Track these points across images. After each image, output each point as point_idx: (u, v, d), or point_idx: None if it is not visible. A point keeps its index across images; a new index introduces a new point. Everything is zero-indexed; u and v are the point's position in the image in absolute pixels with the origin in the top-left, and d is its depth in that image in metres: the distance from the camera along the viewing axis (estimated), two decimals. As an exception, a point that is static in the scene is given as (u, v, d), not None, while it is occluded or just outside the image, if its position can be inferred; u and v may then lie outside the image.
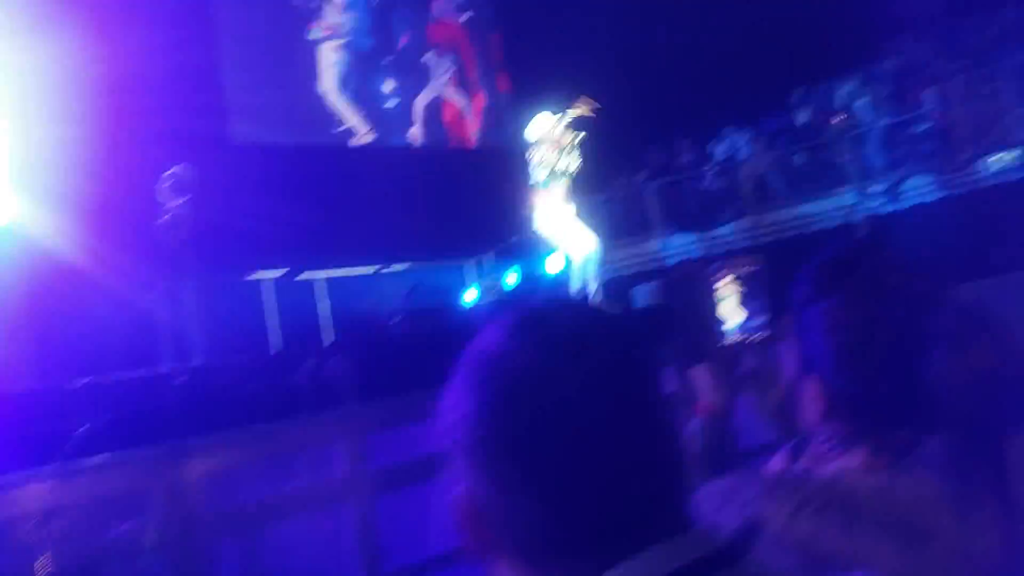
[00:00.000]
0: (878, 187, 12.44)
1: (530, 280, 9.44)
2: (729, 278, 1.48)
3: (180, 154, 8.59)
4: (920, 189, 12.23)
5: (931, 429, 0.98)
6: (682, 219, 13.36)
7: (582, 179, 8.83)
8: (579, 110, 8.05)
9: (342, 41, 13.07)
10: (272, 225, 10.16)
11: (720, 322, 1.52)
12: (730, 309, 1.53)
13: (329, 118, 12.86)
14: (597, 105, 8.16)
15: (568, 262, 7.97)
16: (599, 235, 8.07)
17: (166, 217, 7.78)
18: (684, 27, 13.70)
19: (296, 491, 2.83)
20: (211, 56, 11.49)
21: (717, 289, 1.53)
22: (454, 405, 0.73)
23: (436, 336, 8.00)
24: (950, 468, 0.96)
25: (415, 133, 13.77)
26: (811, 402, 1.09)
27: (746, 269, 1.49)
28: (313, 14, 12.96)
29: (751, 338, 1.49)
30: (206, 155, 9.66)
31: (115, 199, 8.63)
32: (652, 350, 0.77)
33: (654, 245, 13.23)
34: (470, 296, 9.51)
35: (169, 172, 8.00)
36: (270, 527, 2.86)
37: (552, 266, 8.44)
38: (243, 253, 8.93)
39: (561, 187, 7.83)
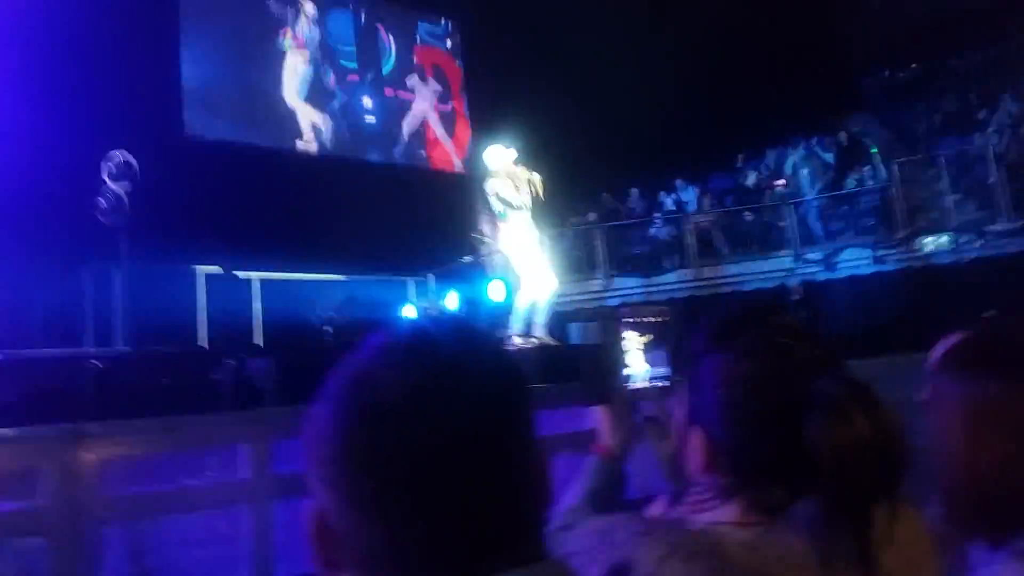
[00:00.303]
0: (816, 254, 12.82)
1: (471, 304, 9.44)
2: (638, 327, 1.53)
3: (129, 138, 8.44)
4: (856, 261, 12.66)
5: (806, 491, 1.00)
6: (627, 263, 13.57)
7: (536, 213, 8.92)
8: (537, 180, 7.97)
9: (309, 53, 13.09)
10: (215, 220, 10.01)
11: (625, 367, 1.56)
12: (637, 356, 1.57)
13: (289, 124, 12.82)
14: (541, 179, 8.11)
15: (510, 291, 8.00)
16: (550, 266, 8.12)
17: (104, 199, 7.60)
18: (647, 79, 14.02)
19: (195, 488, 2.77)
20: (171, 46, 11.39)
21: (626, 336, 1.57)
22: (315, 420, 0.73)
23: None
24: (819, 531, 0.98)
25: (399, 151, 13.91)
26: (694, 452, 1.11)
27: (655, 319, 1.54)
28: (283, 22, 12.96)
29: (654, 386, 1.53)
30: (156, 143, 9.51)
31: (55, 174, 8.43)
32: (520, 381, 0.76)
33: (598, 285, 13.41)
34: (407, 313, 9.46)
35: (113, 154, 7.84)
36: (164, 521, 2.79)
37: (494, 293, 8.46)
38: (181, 244, 8.75)
39: (519, 218, 7.86)
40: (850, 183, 13.33)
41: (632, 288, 13.37)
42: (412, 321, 0.81)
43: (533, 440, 0.75)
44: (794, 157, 13.71)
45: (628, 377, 1.56)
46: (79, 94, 9.25)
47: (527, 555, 0.71)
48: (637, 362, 1.57)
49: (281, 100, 12.77)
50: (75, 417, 4.37)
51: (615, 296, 13.27)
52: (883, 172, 13.10)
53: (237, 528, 2.78)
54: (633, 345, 1.60)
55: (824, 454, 0.96)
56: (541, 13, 13.77)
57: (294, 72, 12.86)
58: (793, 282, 12.80)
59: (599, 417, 1.54)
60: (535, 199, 8.05)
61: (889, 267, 12.43)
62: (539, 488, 0.76)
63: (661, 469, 1.56)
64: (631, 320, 1.57)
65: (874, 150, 13.84)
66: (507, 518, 0.71)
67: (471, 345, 0.74)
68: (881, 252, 12.45)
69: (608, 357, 1.56)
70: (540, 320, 7.75)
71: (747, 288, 12.88)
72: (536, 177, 7.87)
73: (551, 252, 11.72)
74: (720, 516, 1.07)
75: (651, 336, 1.56)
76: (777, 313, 1.14)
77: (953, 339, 1.70)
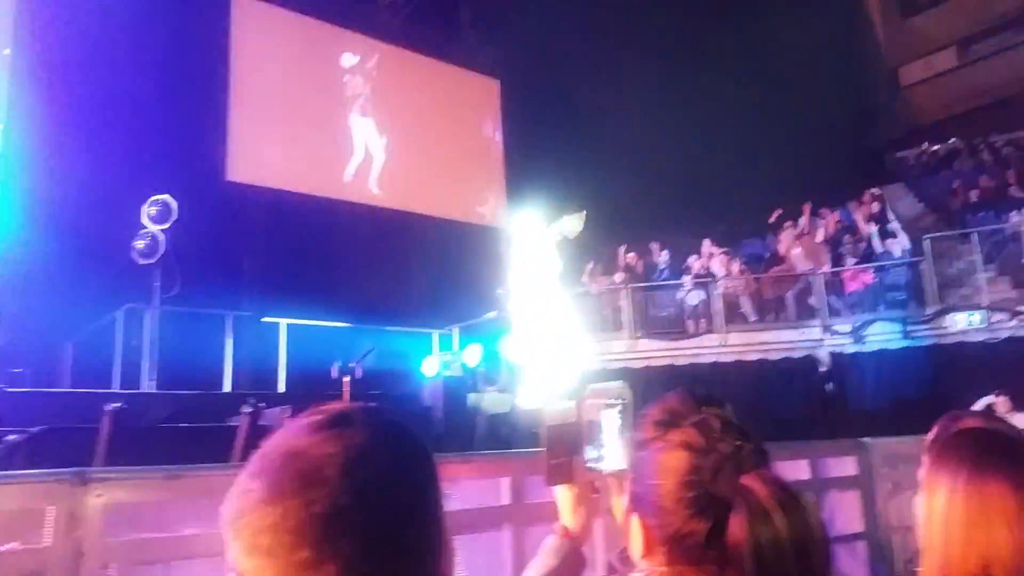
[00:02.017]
0: (845, 326, 12.68)
1: (491, 359, 9.48)
2: (605, 406, 1.55)
3: (172, 182, 8.75)
4: (885, 335, 12.50)
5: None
6: (651, 325, 13.53)
7: (564, 271, 8.98)
8: (571, 222, 8.10)
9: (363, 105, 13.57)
10: (248, 265, 10.27)
11: (601, 446, 1.58)
12: (612, 436, 1.59)
13: (327, 174, 13.17)
14: (584, 217, 8.23)
15: (526, 349, 8.05)
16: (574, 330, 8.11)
17: (143, 241, 7.87)
18: (681, 142, 14.19)
19: (199, 537, 2.83)
20: (222, 93, 11.80)
21: (604, 415, 1.59)
22: (247, 488, 0.81)
23: (387, 400, 8.02)
24: None
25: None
26: (634, 537, 1.16)
27: (618, 399, 1.56)
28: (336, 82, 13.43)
29: (617, 469, 1.53)
30: (197, 187, 9.84)
31: (97, 215, 8.72)
32: (419, 468, 0.87)
33: (623, 346, 13.37)
34: (429, 366, 9.53)
35: (155, 198, 8.13)
36: (168, 569, 2.84)
37: (513, 350, 8.53)
38: (213, 287, 8.96)
39: (544, 279, 7.94)
40: (880, 257, 13.23)
41: (657, 350, 13.32)
42: (329, 406, 0.90)
43: (439, 521, 0.87)
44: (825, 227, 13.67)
45: (602, 457, 1.58)
46: (127, 137, 9.61)
47: None
48: (612, 443, 1.60)
49: (327, 149, 13.15)
50: (90, 456, 4.49)
51: (640, 358, 13.22)
52: (908, 245, 12.99)
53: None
54: (613, 426, 1.62)
55: (744, 551, 1.01)
56: (574, 75, 14.08)
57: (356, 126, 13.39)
58: (821, 353, 12.68)
59: (560, 497, 1.58)
60: (571, 240, 8.17)
61: (919, 342, 12.25)
62: (434, 566, 0.85)
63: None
64: (596, 401, 1.60)
65: (898, 223, 13.72)
66: None
67: (386, 431, 0.87)
68: (911, 327, 12.28)
69: (571, 437, 1.58)
70: (560, 380, 7.77)
71: (774, 357, 12.76)
72: (570, 222, 7.97)
73: (576, 311, 11.71)
74: None
75: (618, 417, 1.59)
76: (713, 404, 1.17)
77: (952, 422, 1.74)
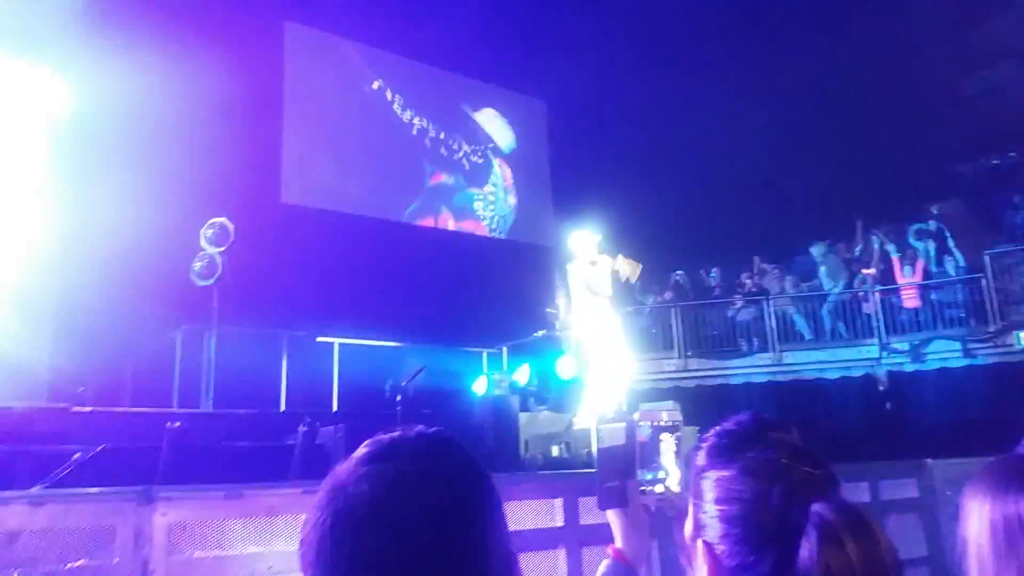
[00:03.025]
0: (903, 344, 12.37)
1: (542, 378, 9.48)
2: (659, 428, 1.55)
3: (229, 205, 8.99)
4: (945, 353, 12.16)
5: None
6: (703, 344, 13.38)
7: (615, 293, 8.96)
8: (624, 265, 8.07)
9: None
10: (303, 286, 10.46)
11: (658, 469, 1.57)
12: (670, 458, 1.58)
13: (378, 195, 13.38)
14: (640, 266, 8.19)
15: (580, 369, 8.03)
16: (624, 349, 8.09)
17: (201, 263, 8.07)
18: (734, 160, 14.07)
19: (257, 555, 2.89)
20: (275, 117, 12.11)
21: (662, 438, 1.58)
22: (304, 526, 0.84)
23: (437, 420, 8.06)
24: None
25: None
26: (699, 565, 1.14)
27: (671, 420, 1.56)
28: (382, 105, 13.67)
29: (672, 492, 1.53)
30: (254, 210, 10.10)
31: (158, 238, 8.98)
32: (476, 495, 0.87)
33: (673, 365, 13.24)
34: (479, 385, 9.56)
35: (213, 221, 8.35)
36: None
37: (564, 370, 8.51)
38: (269, 308, 9.15)
39: (597, 302, 7.90)
40: (940, 272, 12.89)
41: (709, 369, 13.15)
42: (382, 436, 0.90)
43: (489, 547, 0.85)
44: (882, 241, 13.36)
45: (656, 480, 1.57)
46: (185, 161, 9.90)
47: None
48: (670, 464, 1.59)
49: (378, 171, 13.37)
50: (151, 474, 4.60)
51: (691, 377, 13.08)
52: (961, 261, 12.62)
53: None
54: (668, 448, 1.61)
55: None
56: (624, 93, 14.10)
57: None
58: (879, 372, 12.38)
59: (613, 521, 1.57)
60: (624, 284, 8.11)
61: (980, 361, 11.88)
62: None
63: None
64: (650, 423, 1.59)
65: (950, 238, 13.33)
66: None
67: (431, 460, 0.86)
68: (972, 345, 11.93)
69: (623, 461, 1.57)
70: (615, 399, 7.71)
71: (830, 376, 12.50)
72: (627, 265, 7.92)
73: (627, 330, 11.69)
74: None
75: (674, 442, 1.58)
76: (779, 430, 1.16)
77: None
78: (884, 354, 12.44)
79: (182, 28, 10.40)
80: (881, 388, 12.32)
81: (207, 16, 10.70)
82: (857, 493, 5.03)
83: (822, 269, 13.26)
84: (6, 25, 7.90)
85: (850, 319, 12.89)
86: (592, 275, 7.83)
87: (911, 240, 13.38)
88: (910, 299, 12.59)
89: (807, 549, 1.01)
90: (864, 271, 12.94)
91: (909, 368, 12.26)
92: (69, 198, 8.64)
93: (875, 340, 12.52)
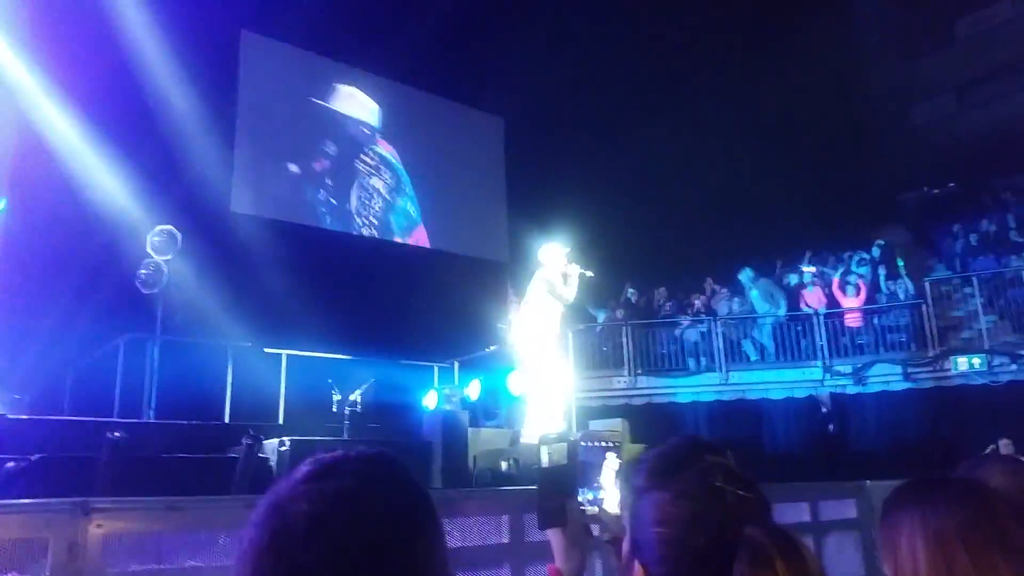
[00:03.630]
0: (846, 367, 12.68)
1: (492, 394, 9.46)
2: (602, 448, 1.57)
3: (177, 212, 8.83)
4: (886, 376, 12.48)
5: None
6: (652, 362, 13.52)
7: (567, 308, 9.04)
8: (574, 269, 8.19)
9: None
10: (251, 295, 10.30)
11: (600, 489, 1.58)
12: (610, 479, 1.60)
13: (329, 206, 13.29)
14: (590, 273, 8.32)
15: (526, 384, 8.04)
16: (573, 364, 8.16)
17: (147, 271, 7.91)
18: (685, 182, 14.31)
19: (196, 569, 2.83)
20: (228, 125, 11.96)
21: (606, 458, 1.60)
22: (240, 541, 0.84)
23: (386, 433, 8.00)
24: None
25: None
26: None
27: (613, 441, 1.59)
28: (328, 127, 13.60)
29: (611, 513, 1.54)
30: (202, 218, 9.94)
31: (104, 244, 8.79)
32: (415, 515, 0.87)
33: (623, 383, 13.35)
34: (430, 400, 9.50)
35: (160, 228, 8.20)
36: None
37: (514, 385, 8.52)
38: (216, 317, 8.99)
39: (553, 312, 7.98)
40: (881, 298, 13.25)
41: (658, 388, 13.29)
42: (324, 455, 0.90)
43: (427, 568, 0.85)
44: (826, 267, 13.72)
45: (595, 501, 1.58)
46: (134, 167, 9.71)
47: None
48: (609, 484, 1.60)
49: (328, 187, 13.28)
50: (89, 485, 4.47)
51: (641, 395, 13.20)
52: (911, 287, 13.02)
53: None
54: (610, 467, 1.63)
55: None
56: (580, 111, 14.26)
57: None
58: (823, 394, 12.66)
59: (553, 540, 1.58)
60: (578, 286, 8.22)
61: (920, 385, 12.23)
62: None
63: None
64: (591, 443, 1.61)
65: (900, 263, 13.79)
66: None
67: (371, 480, 0.86)
68: (912, 369, 12.27)
69: (564, 481, 1.58)
70: (557, 416, 7.74)
71: (774, 396, 12.74)
72: (580, 272, 8.06)
73: (577, 347, 11.76)
74: None
75: (615, 461, 1.60)
76: (715, 452, 1.18)
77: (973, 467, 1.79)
78: (827, 376, 12.73)
79: (137, 33, 10.23)
80: (824, 410, 12.59)
81: (165, 21, 10.53)
82: (798, 513, 5.14)
83: (753, 293, 13.56)
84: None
85: (792, 341, 13.16)
86: (559, 281, 7.92)
87: (853, 266, 13.76)
88: (853, 320, 12.93)
89: (739, 571, 1.04)
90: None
91: (851, 390, 12.55)
92: (13, 197, 8.43)
93: (819, 362, 12.80)
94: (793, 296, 13.56)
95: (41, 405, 8.01)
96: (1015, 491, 1.78)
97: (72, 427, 5.98)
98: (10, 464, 4.75)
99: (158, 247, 8.08)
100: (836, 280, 13.33)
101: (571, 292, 8.00)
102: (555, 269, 7.98)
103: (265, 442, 5.48)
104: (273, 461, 5.47)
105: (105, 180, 9.19)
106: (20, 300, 8.35)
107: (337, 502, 0.83)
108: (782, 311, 13.27)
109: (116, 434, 4.60)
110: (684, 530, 1.10)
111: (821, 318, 12.93)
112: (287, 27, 12.55)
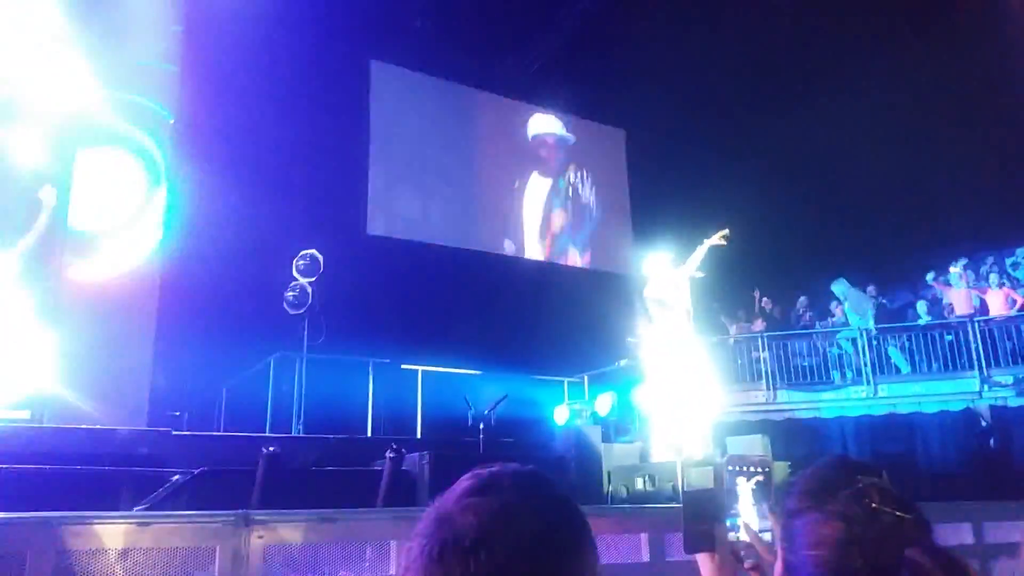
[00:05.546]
0: (1006, 377, 11.76)
1: (623, 409, 9.40)
2: (747, 474, 1.53)
3: (318, 237, 9.31)
4: (1054, 386, 11.50)
5: None
6: (792, 375, 13.00)
7: (698, 320, 8.88)
8: (715, 239, 8.16)
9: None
10: (388, 315, 10.71)
11: (736, 515, 1.55)
12: (748, 505, 1.56)
13: (461, 226, 13.63)
14: (729, 233, 8.25)
15: (659, 399, 7.92)
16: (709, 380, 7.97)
17: (293, 292, 8.36)
18: (818, 185, 13.74)
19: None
20: (362, 152, 12.52)
21: (738, 483, 1.57)
22: (408, 551, 0.89)
23: (519, 448, 8.08)
24: None
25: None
26: None
27: (758, 470, 1.54)
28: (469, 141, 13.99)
29: (758, 538, 1.51)
30: (342, 242, 10.43)
31: (253, 269, 9.37)
32: (572, 531, 0.90)
33: (761, 397, 12.90)
34: (560, 414, 9.54)
35: (304, 252, 8.65)
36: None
37: (640, 400, 8.43)
38: (356, 336, 9.38)
39: (675, 321, 7.87)
40: (1046, 302, 12.23)
41: (799, 402, 12.76)
42: (482, 470, 0.95)
43: None
44: (983, 270, 12.80)
45: (739, 526, 1.55)
46: (277, 196, 10.33)
47: None
48: (748, 511, 1.57)
49: (460, 203, 13.65)
50: (245, 496, 4.75)
51: (779, 411, 12.71)
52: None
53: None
54: (745, 494, 1.60)
55: None
56: (701, 121, 13.97)
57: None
58: (981, 407, 11.79)
59: (702, 564, 1.55)
60: (698, 299, 8.09)
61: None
62: None
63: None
64: (739, 468, 1.58)
65: None
66: None
67: (532, 495, 0.91)
68: (1084, 379, 11.25)
69: (713, 505, 1.56)
70: (699, 432, 7.57)
71: (927, 411, 11.96)
72: (715, 238, 7.95)
73: (712, 361, 11.47)
74: None
75: (758, 487, 1.56)
76: (868, 472, 1.15)
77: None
78: (985, 387, 11.85)
79: (274, 67, 10.88)
80: (984, 424, 11.71)
81: (298, 54, 11.17)
82: (959, 535, 4.80)
83: (846, 304, 12.83)
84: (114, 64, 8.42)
85: (943, 351, 12.34)
86: (667, 291, 7.82)
87: (1009, 270, 12.79)
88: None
89: None
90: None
91: (1013, 403, 11.63)
92: (168, 228, 9.11)
93: (975, 372, 11.94)
94: (937, 303, 12.74)
95: (197, 421, 8.60)
96: None
97: (230, 442, 6.38)
98: (176, 477, 5.13)
99: (303, 270, 8.53)
100: (991, 283, 12.40)
101: (682, 298, 7.89)
102: (658, 276, 7.91)
103: (406, 455, 5.65)
104: (415, 474, 5.64)
105: (252, 209, 9.79)
106: (177, 323, 9.00)
107: (503, 515, 0.87)
108: (870, 324, 12.54)
109: (271, 448, 4.88)
110: (840, 552, 1.08)
111: (976, 324, 12.06)
112: (413, 54, 12.99)
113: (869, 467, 1.17)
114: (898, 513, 1.09)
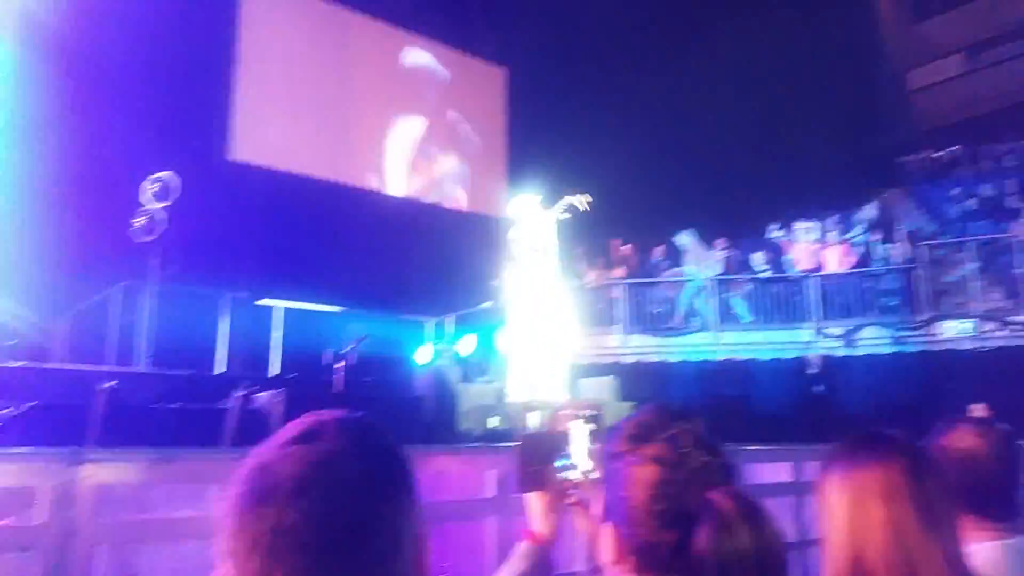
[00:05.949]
0: (836, 329, 12.75)
1: (485, 350, 9.54)
2: (574, 418, 1.62)
3: (174, 160, 8.78)
4: (876, 339, 12.58)
5: None
6: (646, 321, 13.60)
7: (560, 264, 9.07)
8: (574, 200, 8.29)
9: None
10: (246, 246, 10.30)
11: (567, 457, 1.64)
12: (581, 448, 1.65)
13: (329, 157, 13.18)
14: (589, 199, 8.40)
15: (518, 341, 8.12)
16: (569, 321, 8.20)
17: (142, 219, 7.90)
18: (682, 139, 14.21)
19: (186, 519, 2.90)
20: (229, 71, 11.79)
21: (572, 426, 1.66)
22: (225, 500, 0.88)
23: (378, 387, 8.08)
24: None
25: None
26: (605, 545, 1.22)
27: (588, 412, 1.63)
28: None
29: (587, 478, 1.61)
30: (200, 166, 9.86)
31: (98, 192, 8.74)
32: (397, 477, 0.92)
33: (615, 341, 13.44)
34: (423, 354, 9.58)
35: (156, 176, 8.16)
36: (149, 550, 2.91)
37: (500, 342, 8.61)
38: (211, 268, 9.00)
39: (542, 267, 8.03)
40: (876, 261, 13.28)
41: (649, 346, 13.38)
42: (307, 418, 0.94)
43: (407, 528, 0.91)
44: (819, 229, 13.70)
45: (569, 467, 1.64)
46: (129, 114, 9.59)
47: None
48: (581, 454, 1.66)
49: (330, 132, 13.17)
50: (81, 433, 4.55)
51: (632, 353, 13.29)
52: (909, 251, 13.05)
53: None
54: (579, 436, 1.69)
55: (709, 563, 1.07)
56: (578, 65, 14.08)
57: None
58: (812, 356, 12.74)
59: (531, 503, 1.64)
60: (562, 245, 8.24)
61: (909, 348, 12.32)
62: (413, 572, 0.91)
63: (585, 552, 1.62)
64: (571, 413, 1.67)
65: (895, 226, 13.79)
66: None
67: (354, 444, 0.91)
68: (902, 333, 12.36)
69: (545, 447, 1.64)
70: (554, 374, 7.83)
71: (764, 358, 12.83)
72: (574, 200, 8.08)
73: (571, 305, 11.77)
74: None
75: (590, 430, 1.65)
76: (687, 419, 1.22)
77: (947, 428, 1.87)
78: (820, 338, 12.82)
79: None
80: (812, 371, 12.68)
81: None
82: (779, 473, 5.22)
83: (687, 256, 13.61)
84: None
85: (783, 303, 13.23)
86: (537, 244, 7.96)
87: (850, 229, 13.77)
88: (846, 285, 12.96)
89: (703, 534, 1.09)
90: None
91: (841, 353, 12.65)
92: (5, 143, 8.37)
93: (810, 324, 12.88)
94: (780, 257, 13.61)
95: (35, 353, 8.06)
96: (983, 453, 1.88)
97: (66, 376, 6.03)
98: (3, 412, 4.82)
99: (155, 195, 8.06)
100: (831, 241, 13.34)
101: (548, 242, 8.04)
102: (527, 219, 8.03)
103: (258, 394, 5.54)
104: (266, 413, 5.54)
105: (102, 125, 9.10)
106: (13, 248, 8.34)
107: (323, 463, 0.87)
108: (708, 275, 13.37)
109: (109, 384, 4.66)
110: (652, 493, 1.15)
111: (815, 280, 12.98)
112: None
113: (687, 413, 1.24)
114: (705, 457, 1.17)
